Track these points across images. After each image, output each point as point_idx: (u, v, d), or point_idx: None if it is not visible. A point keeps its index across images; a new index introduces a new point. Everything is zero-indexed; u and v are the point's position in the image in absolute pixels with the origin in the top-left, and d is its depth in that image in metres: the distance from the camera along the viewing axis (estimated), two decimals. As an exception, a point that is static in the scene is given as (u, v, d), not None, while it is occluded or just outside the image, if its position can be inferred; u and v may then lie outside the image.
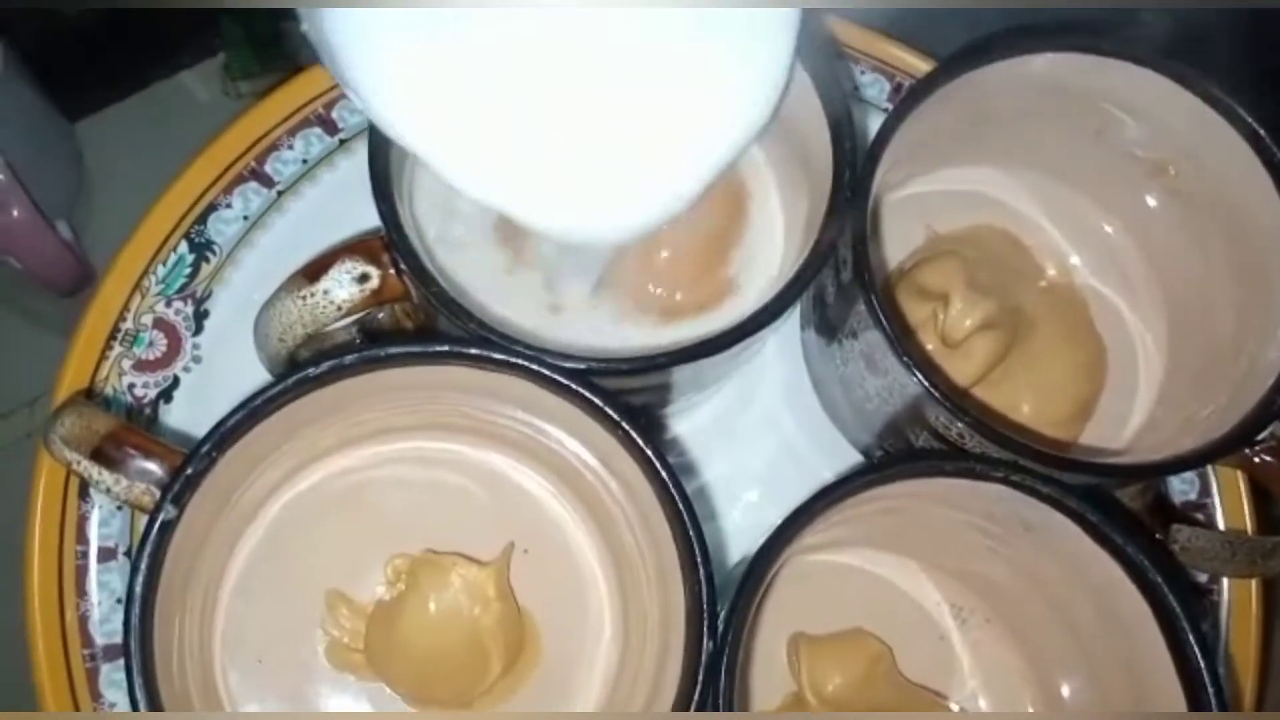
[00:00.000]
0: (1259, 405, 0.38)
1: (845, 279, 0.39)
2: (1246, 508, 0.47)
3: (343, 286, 0.36)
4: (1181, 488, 0.48)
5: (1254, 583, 0.46)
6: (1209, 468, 0.48)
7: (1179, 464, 0.38)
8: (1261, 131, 0.40)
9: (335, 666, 0.40)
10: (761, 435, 0.49)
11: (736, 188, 0.43)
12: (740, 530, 0.47)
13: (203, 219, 0.45)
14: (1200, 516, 0.47)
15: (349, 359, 0.33)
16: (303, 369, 0.33)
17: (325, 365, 0.33)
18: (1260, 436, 0.38)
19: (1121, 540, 0.36)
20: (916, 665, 0.43)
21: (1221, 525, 0.47)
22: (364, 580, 0.41)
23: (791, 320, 0.49)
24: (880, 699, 0.41)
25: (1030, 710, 0.42)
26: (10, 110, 0.56)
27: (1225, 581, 0.46)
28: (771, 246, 0.43)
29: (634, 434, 0.35)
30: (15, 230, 0.55)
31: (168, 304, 0.44)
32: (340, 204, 0.45)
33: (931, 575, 0.44)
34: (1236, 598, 0.46)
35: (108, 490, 0.34)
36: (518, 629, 0.41)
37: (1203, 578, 0.46)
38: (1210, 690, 0.35)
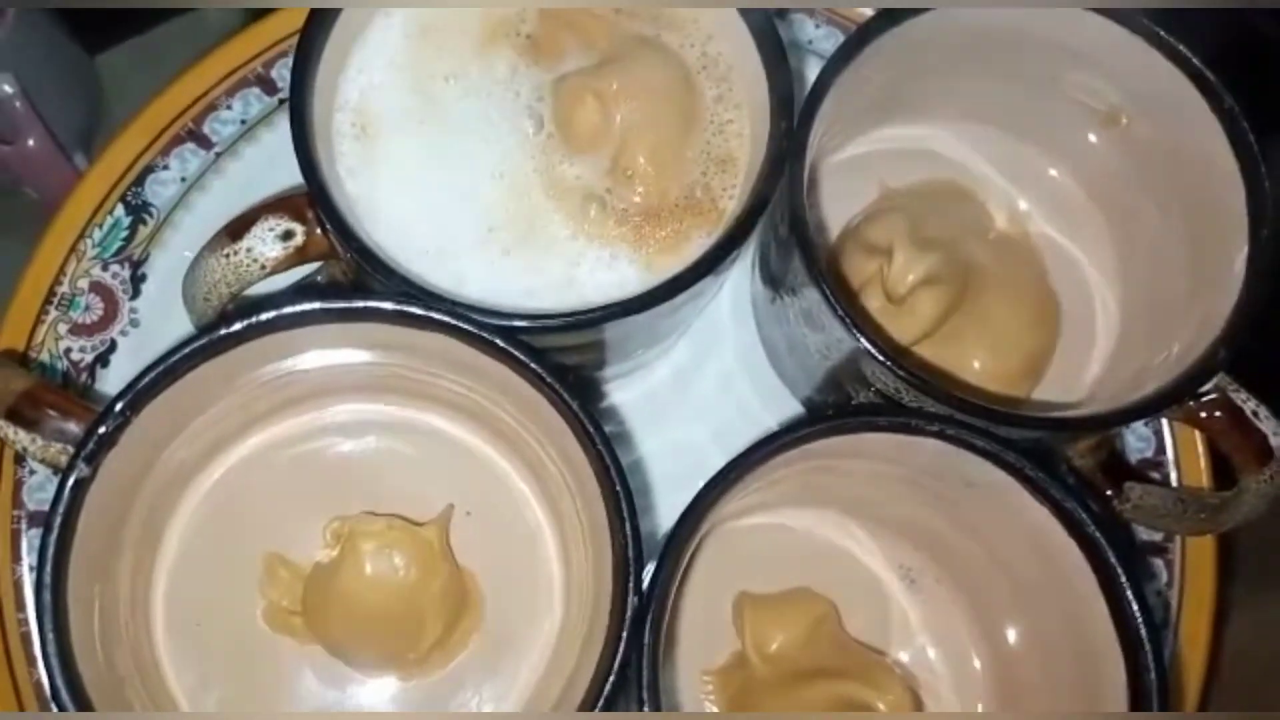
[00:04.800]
0: (1202, 357, 0.37)
1: (783, 234, 0.38)
2: (1203, 465, 0.46)
3: (266, 244, 0.36)
4: (1138, 445, 0.47)
5: (1209, 541, 0.46)
6: (1165, 425, 0.47)
7: (1119, 417, 0.37)
8: (1212, 77, 0.39)
9: (273, 629, 0.40)
10: (719, 398, 0.48)
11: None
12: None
13: (139, 181, 0.45)
14: (1156, 475, 0.46)
15: (265, 316, 0.33)
16: (218, 327, 0.33)
17: (240, 323, 0.33)
18: (1206, 388, 0.37)
19: (1060, 495, 0.36)
20: (863, 623, 0.42)
21: (1176, 483, 0.46)
22: (303, 543, 0.40)
23: (745, 277, 0.48)
24: (822, 657, 0.40)
25: (977, 665, 0.42)
26: (29, 41, 0.56)
27: (1180, 540, 0.46)
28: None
29: (557, 387, 0.34)
30: (31, 159, 0.55)
31: (104, 267, 0.44)
32: (280, 164, 0.44)
33: (878, 534, 0.43)
34: (1192, 557, 0.46)
35: (25, 450, 0.33)
36: (458, 590, 0.40)
37: (1157, 536, 0.46)
38: (1148, 649, 0.34)
